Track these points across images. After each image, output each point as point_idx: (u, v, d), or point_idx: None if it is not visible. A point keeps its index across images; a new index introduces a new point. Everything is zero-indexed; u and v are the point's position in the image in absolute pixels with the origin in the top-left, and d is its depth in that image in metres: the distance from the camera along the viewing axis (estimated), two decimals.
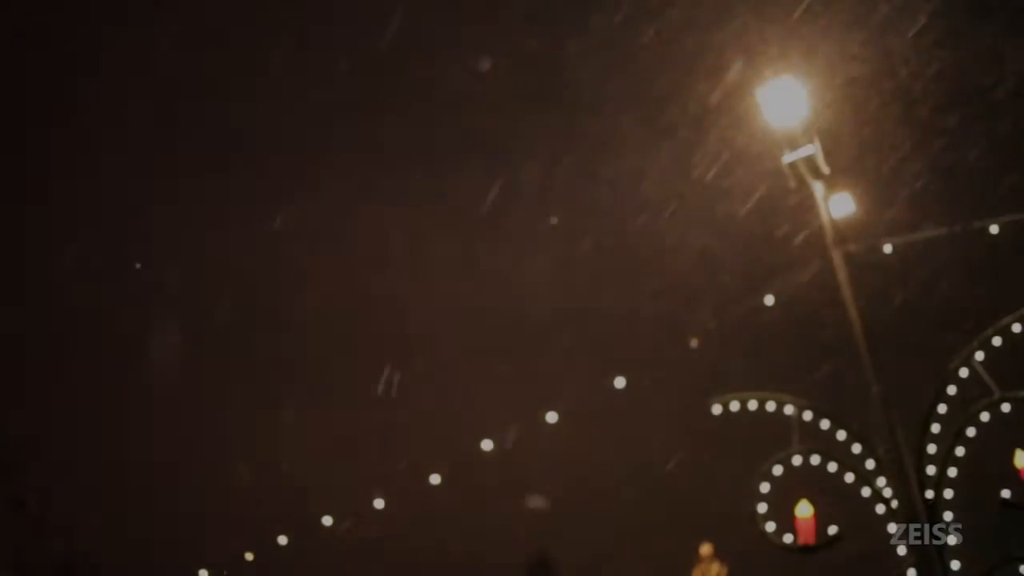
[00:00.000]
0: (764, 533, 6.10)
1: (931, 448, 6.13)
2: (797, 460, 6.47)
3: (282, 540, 16.50)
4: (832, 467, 6.41)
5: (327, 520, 13.81)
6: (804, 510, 6.03)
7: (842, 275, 6.73)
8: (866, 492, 6.16)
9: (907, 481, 5.78)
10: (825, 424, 6.62)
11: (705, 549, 35.14)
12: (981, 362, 6.31)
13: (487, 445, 10.17)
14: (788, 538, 6.03)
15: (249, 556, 19.44)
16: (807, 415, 6.65)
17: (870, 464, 6.29)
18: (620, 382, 8.73)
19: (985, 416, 6.13)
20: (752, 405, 6.88)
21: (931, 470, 6.01)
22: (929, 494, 5.84)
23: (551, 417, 9.53)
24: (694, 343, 8.46)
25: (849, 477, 6.31)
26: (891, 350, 7.19)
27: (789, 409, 6.66)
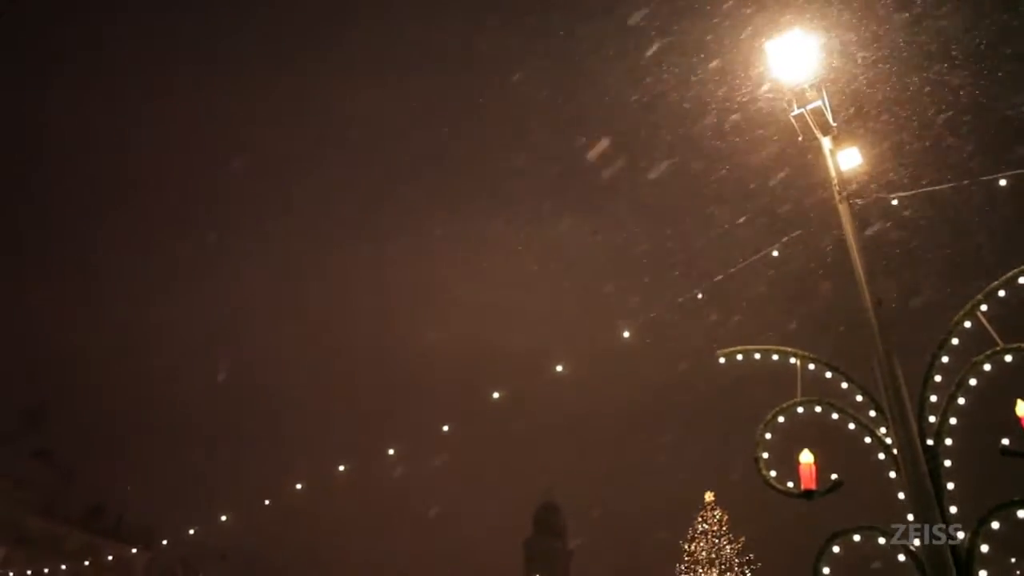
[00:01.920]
0: (766, 480, 6.29)
1: (933, 398, 6.25)
2: (800, 410, 6.64)
3: (299, 486, 17.01)
4: (835, 417, 6.57)
5: (341, 467, 14.23)
6: (806, 457, 6.20)
7: (849, 227, 6.77)
8: (868, 440, 6.32)
9: (908, 429, 5.91)
10: (828, 375, 6.76)
11: (708, 496, 35.79)
12: (985, 314, 6.39)
13: (496, 394, 10.39)
14: (790, 485, 6.22)
15: (267, 501, 20.08)
16: (811, 366, 6.79)
17: (872, 414, 6.44)
18: (625, 333, 8.87)
19: (988, 367, 6.24)
20: (756, 356, 7.02)
21: (932, 419, 6.15)
22: (930, 442, 5.99)
23: (560, 368, 9.70)
24: (700, 295, 8.55)
25: (851, 426, 6.47)
26: (896, 302, 7.27)
27: (793, 360, 6.80)
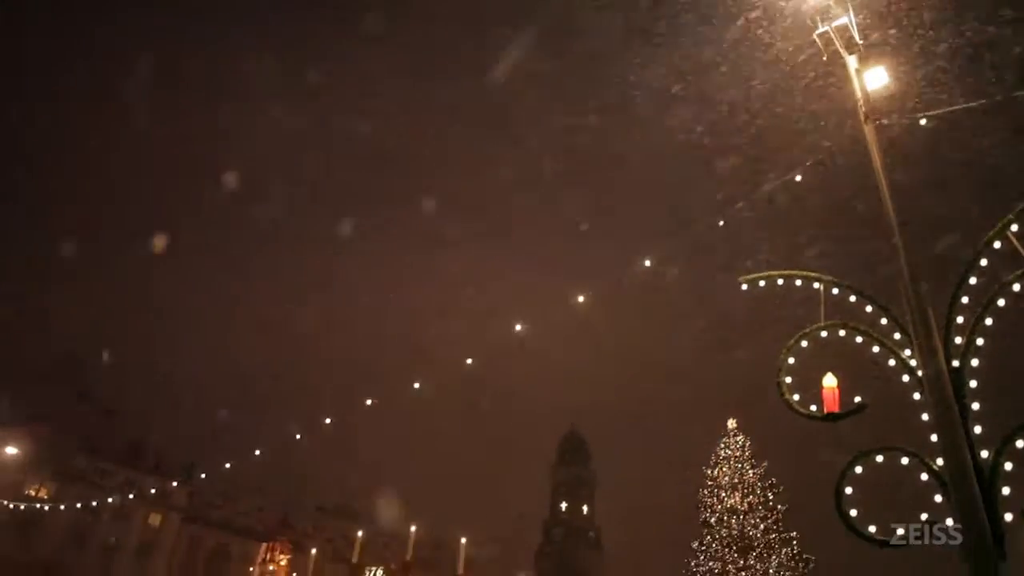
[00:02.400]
0: (789, 403, 6.32)
1: (960, 319, 6.18)
2: (824, 334, 6.61)
3: (327, 420, 17.47)
4: (859, 340, 6.54)
5: (368, 401, 14.56)
6: (829, 381, 6.21)
7: (874, 148, 6.60)
8: (892, 363, 6.29)
9: (934, 351, 5.88)
10: (853, 299, 6.70)
11: (731, 423, 36.14)
12: (1016, 234, 6.24)
13: (518, 326, 10.45)
14: (813, 409, 6.25)
15: (298, 436, 20.67)
16: (835, 290, 6.73)
17: (897, 337, 6.40)
18: (647, 262, 8.81)
19: (1017, 287, 6.14)
20: (779, 282, 6.96)
21: (959, 340, 6.09)
22: (956, 363, 5.95)
23: (581, 298, 9.71)
24: (721, 221, 8.44)
25: (876, 350, 6.44)
26: (923, 223, 7.13)
27: (817, 285, 6.74)
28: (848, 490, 5.92)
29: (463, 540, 16.50)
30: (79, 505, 44.50)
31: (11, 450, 35.49)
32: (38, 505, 48.69)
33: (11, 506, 44.39)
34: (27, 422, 50.19)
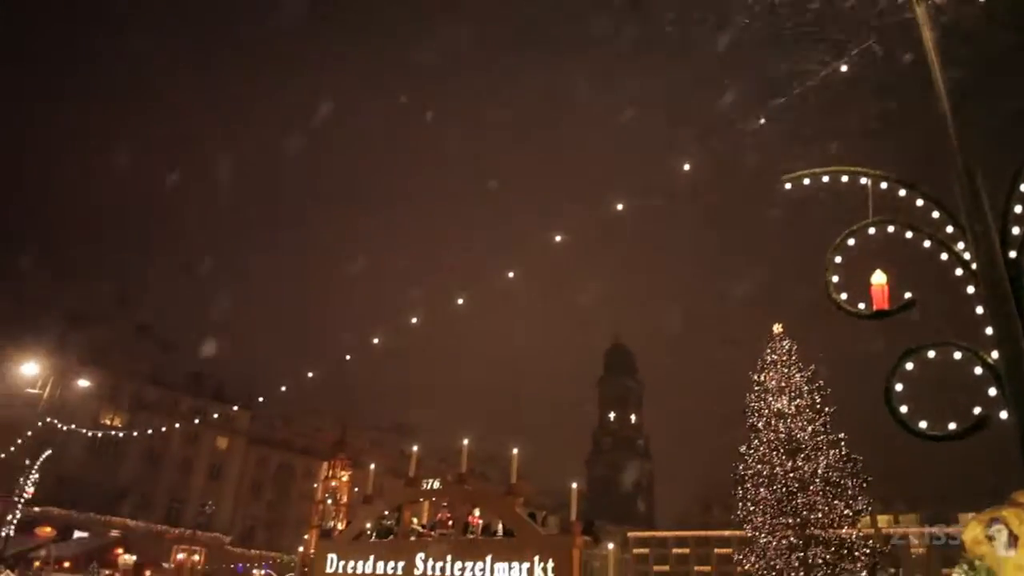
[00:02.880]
0: (837, 303, 6.20)
1: (1018, 209, 5.92)
2: (872, 231, 6.42)
3: (375, 340, 17.85)
4: (908, 236, 6.34)
5: (414, 319, 14.75)
6: (878, 278, 6.06)
7: (926, 31, 6.23)
8: (944, 257, 6.10)
9: (990, 242, 5.68)
10: (902, 193, 6.46)
11: (776, 328, 35.93)
12: None
13: (558, 237, 10.38)
14: (861, 306, 6.12)
15: (348, 356, 21.20)
16: (883, 185, 6.48)
17: (949, 230, 6.18)
18: (686, 167, 8.59)
19: None
20: (824, 179, 6.73)
21: (1016, 231, 5.86)
22: (1012, 254, 5.74)
23: (620, 207, 9.56)
24: (761, 120, 8.13)
25: (927, 244, 6.24)
26: (980, 109, 6.76)
27: (864, 180, 6.50)
28: (898, 387, 5.85)
29: (515, 451, 16.99)
30: (150, 432, 47.09)
31: (83, 383, 37.37)
32: (113, 432, 51.60)
33: (89, 434, 47.19)
34: (96, 357, 52.62)
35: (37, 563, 32.09)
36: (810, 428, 31.38)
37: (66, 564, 34.07)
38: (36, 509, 45.00)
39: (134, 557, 36.87)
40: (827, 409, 31.76)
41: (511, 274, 11.67)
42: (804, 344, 34.39)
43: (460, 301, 13.70)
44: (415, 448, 22.26)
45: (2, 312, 54.35)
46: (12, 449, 37.53)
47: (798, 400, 32.24)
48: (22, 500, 30.10)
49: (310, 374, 23.65)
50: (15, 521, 29.47)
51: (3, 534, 28.28)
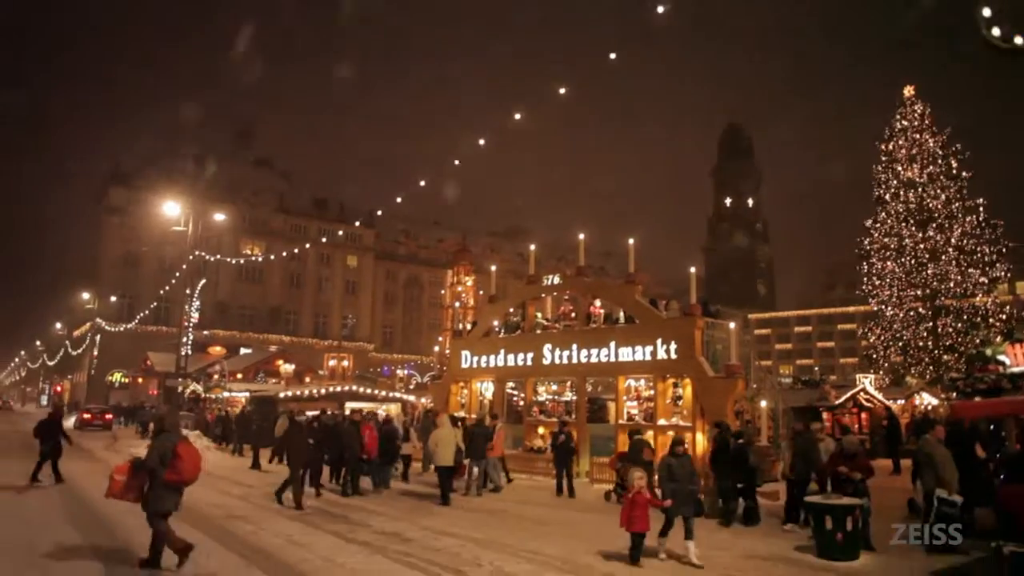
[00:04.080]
0: (990, 40, 5.45)
1: None
2: None
3: (480, 142, 17.84)
4: None
5: (517, 116, 14.48)
6: None
7: None
8: None
9: None
10: None
11: (907, 90, 32.97)
12: None
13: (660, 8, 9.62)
14: (1019, 40, 5.37)
15: (456, 162, 21.61)
16: None
17: None
18: None
19: None
20: None
21: None
22: None
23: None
24: None
25: None
26: None
27: None
28: None
29: (631, 241, 17.15)
30: (284, 254, 50.70)
31: (220, 216, 40.11)
32: (253, 258, 55.96)
33: (233, 262, 51.44)
34: (225, 194, 55.93)
35: (215, 376, 36.66)
36: (943, 196, 29.52)
37: (238, 376, 38.64)
38: (205, 332, 50.64)
39: (293, 366, 41.26)
40: (964, 175, 29.58)
41: (612, 55, 11.01)
42: (939, 106, 31.46)
43: (562, 91, 13.21)
44: (532, 247, 22.94)
45: (140, 158, 58.09)
46: (173, 282, 41.65)
47: (931, 167, 30.11)
48: (191, 326, 33.81)
49: (422, 182, 24.29)
50: (189, 343, 33.36)
51: (183, 353, 32.18)
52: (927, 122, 30.76)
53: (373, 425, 14.69)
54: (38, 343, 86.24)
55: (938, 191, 29.63)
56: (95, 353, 53.37)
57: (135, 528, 7.97)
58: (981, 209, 28.85)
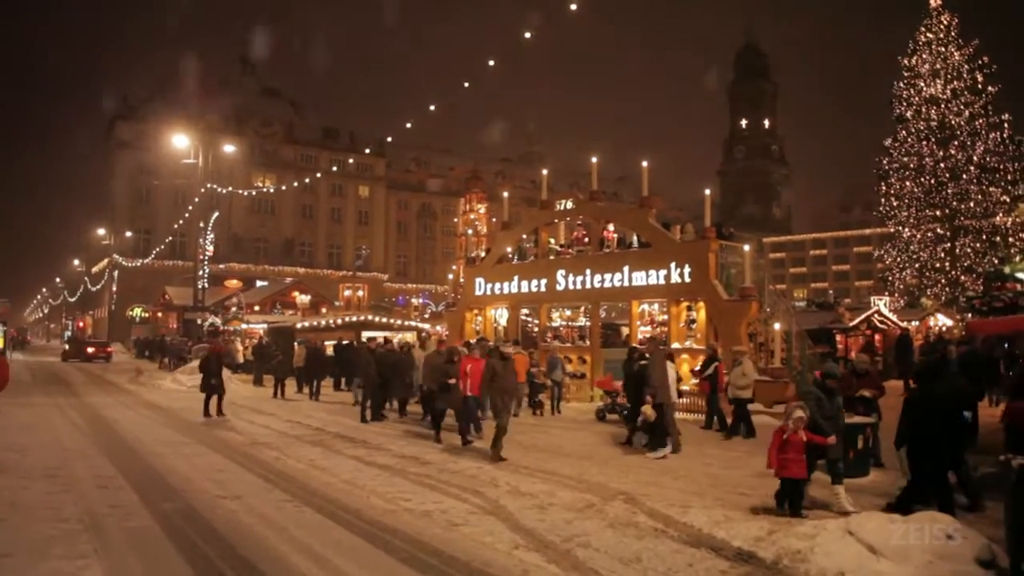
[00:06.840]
0: None
1: None
2: None
3: (491, 62, 17.41)
4: None
5: (527, 35, 13.98)
6: None
7: None
8: None
9: None
10: None
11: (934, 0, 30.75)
12: None
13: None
14: None
15: (466, 84, 21.21)
16: None
17: None
18: None
19: None
20: None
21: None
22: None
23: None
24: None
25: None
26: None
27: None
28: None
29: (644, 164, 16.90)
30: (296, 185, 50.46)
31: (229, 147, 39.81)
32: (265, 189, 55.79)
33: (245, 193, 51.32)
34: (233, 124, 55.35)
35: (232, 308, 37.01)
36: (967, 112, 28.64)
37: (256, 308, 39.08)
38: (221, 266, 51.03)
39: (308, 297, 41.62)
40: (989, 89, 28.59)
41: None
42: (967, 16, 30.12)
43: (574, 7, 12.78)
44: (545, 172, 22.67)
45: (145, 90, 57.38)
46: (187, 215, 41.72)
47: (955, 83, 29.12)
48: (206, 259, 34.02)
49: (432, 107, 23.93)
50: (206, 277, 33.64)
51: (200, 286, 32.53)
52: (953, 34, 29.61)
53: (478, 355, 11.52)
54: (58, 280, 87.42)
55: (961, 107, 28.75)
56: (114, 289, 54.07)
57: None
58: (1006, 125, 28.02)
